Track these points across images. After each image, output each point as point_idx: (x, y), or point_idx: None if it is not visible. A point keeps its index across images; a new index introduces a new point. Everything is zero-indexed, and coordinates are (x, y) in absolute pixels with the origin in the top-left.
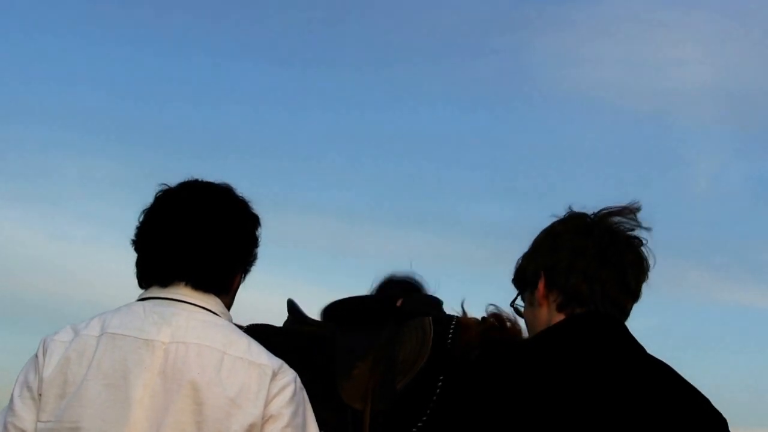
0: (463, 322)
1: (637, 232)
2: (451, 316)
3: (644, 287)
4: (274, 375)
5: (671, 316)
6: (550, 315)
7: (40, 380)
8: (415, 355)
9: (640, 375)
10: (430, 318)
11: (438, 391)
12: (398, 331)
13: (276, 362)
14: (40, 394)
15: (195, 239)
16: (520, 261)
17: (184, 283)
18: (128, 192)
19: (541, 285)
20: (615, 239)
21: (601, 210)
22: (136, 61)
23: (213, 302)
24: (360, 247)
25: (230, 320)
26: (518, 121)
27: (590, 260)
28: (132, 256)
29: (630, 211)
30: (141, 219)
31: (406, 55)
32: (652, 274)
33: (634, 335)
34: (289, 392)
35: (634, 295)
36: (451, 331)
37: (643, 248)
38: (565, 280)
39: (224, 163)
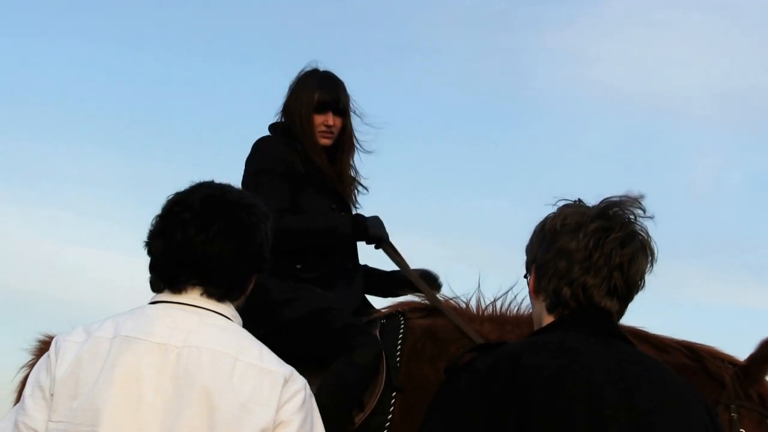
0: (410, 325)
1: (639, 222)
2: (398, 327)
3: (649, 277)
4: (286, 381)
5: (671, 316)
6: (541, 311)
7: (53, 380)
8: (371, 393)
9: (625, 380)
10: (381, 350)
11: (392, 408)
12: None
13: (287, 369)
14: (52, 394)
15: (209, 250)
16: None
17: (198, 291)
18: (130, 194)
19: (531, 280)
20: (603, 241)
21: (602, 201)
22: (138, 62)
23: (225, 307)
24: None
25: (241, 324)
26: (518, 121)
27: (573, 265)
28: (132, 259)
29: (632, 201)
30: (154, 224)
31: (407, 53)
32: (653, 275)
33: (622, 332)
34: (299, 399)
35: (624, 296)
36: (400, 341)
37: (642, 240)
38: (548, 284)
39: (227, 161)
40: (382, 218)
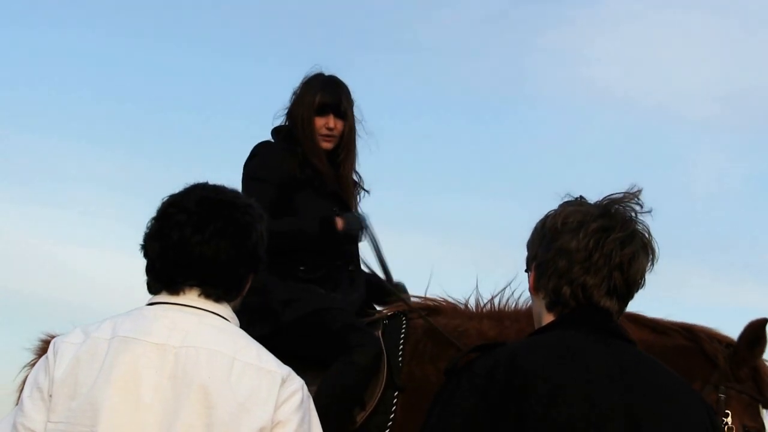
0: (412, 324)
1: (639, 219)
2: (400, 328)
3: (649, 277)
4: (284, 381)
5: (671, 316)
6: (540, 309)
7: (51, 381)
8: (371, 392)
9: (624, 379)
10: (383, 349)
11: (394, 407)
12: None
13: (285, 369)
14: (50, 395)
15: (206, 250)
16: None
17: (196, 292)
18: (130, 194)
19: (531, 277)
20: (604, 241)
21: (603, 198)
22: (139, 60)
23: (223, 308)
24: None
25: (238, 325)
26: (518, 122)
27: (573, 264)
28: (134, 260)
29: (631, 197)
30: (149, 226)
31: (406, 52)
32: (653, 274)
33: (622, 331)
34: (297, 399)
35: (623, 296)
36: (402, 341)
37: (642, 240)
38: (548, 282)
39: (227, 161)
40: (369, 216)
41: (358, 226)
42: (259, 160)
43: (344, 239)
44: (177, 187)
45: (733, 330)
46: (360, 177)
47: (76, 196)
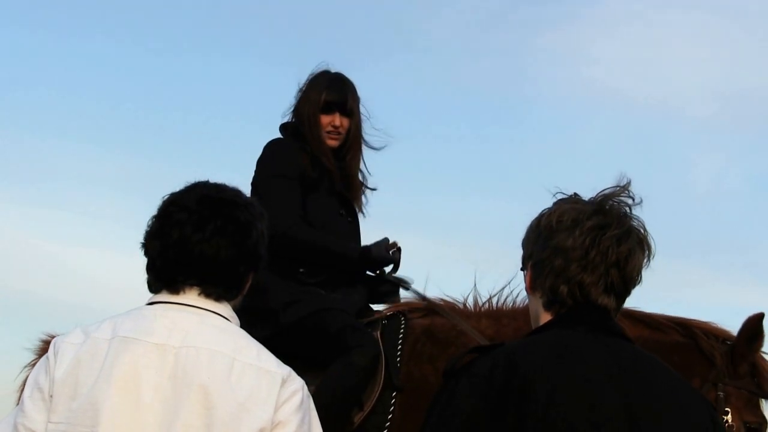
0: (411, 325)
1: (634, 215)
2: (399, 328)
3: (648, 276)
4: (284, 382)
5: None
6: (537, 308)
7: (52, 381)
8: (369, 393)
9: (623, 378)
10: (381, 350)
11: (392, 408)
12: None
13: (285, 369)
14: (51, 395)
15: (206, 249)
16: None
17: (196, 291)
18: (130, 194)
19: (528, 276)
20: (600, 238)
21: (597, 194)
22: (139, 60)
23: (223, 307)
24: None
25: (238, 324)
26: (518, 122)
27: (570, 263)
28: (134, 260)
29: (623, 190)
30: (150, 224)
31: (404, 52)
32: (653, 274)
33: (620, 329)
34: (297, 399)
35: (621, 293)
36: (400, 341)
37: (638, 236)
38: (545, 281)
39: (228, 160)
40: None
41: (389, 258)
42: (278, 156)
43: (376, 268)
44: (177, 187)
45: (733, 330)
46: (365, 176)
47: (76, 196)
